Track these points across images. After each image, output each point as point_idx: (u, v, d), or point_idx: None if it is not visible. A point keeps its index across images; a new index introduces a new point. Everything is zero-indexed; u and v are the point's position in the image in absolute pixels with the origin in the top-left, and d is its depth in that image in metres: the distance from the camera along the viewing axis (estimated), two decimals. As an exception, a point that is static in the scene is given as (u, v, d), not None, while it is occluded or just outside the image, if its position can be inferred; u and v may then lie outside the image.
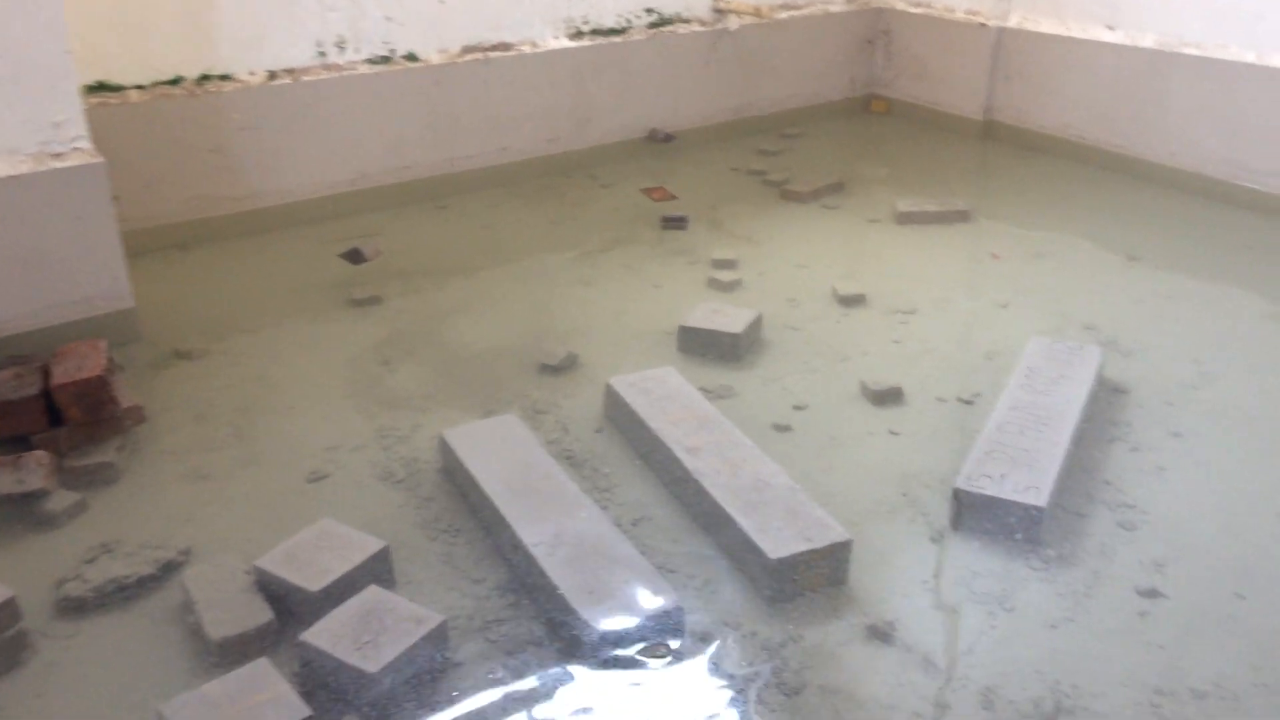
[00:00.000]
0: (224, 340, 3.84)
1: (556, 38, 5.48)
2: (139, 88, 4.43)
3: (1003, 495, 2.82)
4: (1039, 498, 2.81)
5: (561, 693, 2.35)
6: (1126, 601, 2.62)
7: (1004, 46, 6.00)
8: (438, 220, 4.99)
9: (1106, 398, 3.47)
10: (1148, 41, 5.39)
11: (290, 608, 2.52)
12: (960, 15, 6.16)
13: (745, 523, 2.73)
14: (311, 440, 3.28)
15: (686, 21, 5.91)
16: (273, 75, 4.70)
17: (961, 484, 2.88)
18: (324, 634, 2.35)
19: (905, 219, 4.97)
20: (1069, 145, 5.81)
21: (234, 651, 2.40)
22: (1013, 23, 5.96)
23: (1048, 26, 5.82)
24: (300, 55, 4.76)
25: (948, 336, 3.92)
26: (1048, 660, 2.44)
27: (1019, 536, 2.81)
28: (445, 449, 3.12)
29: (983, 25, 6.03)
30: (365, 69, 4.91)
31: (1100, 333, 3.91)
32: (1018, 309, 4.12)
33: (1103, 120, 5.64)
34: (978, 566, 2.74)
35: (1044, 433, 3.08)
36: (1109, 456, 3.18)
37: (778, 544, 2.64)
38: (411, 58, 5.05)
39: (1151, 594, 2.64)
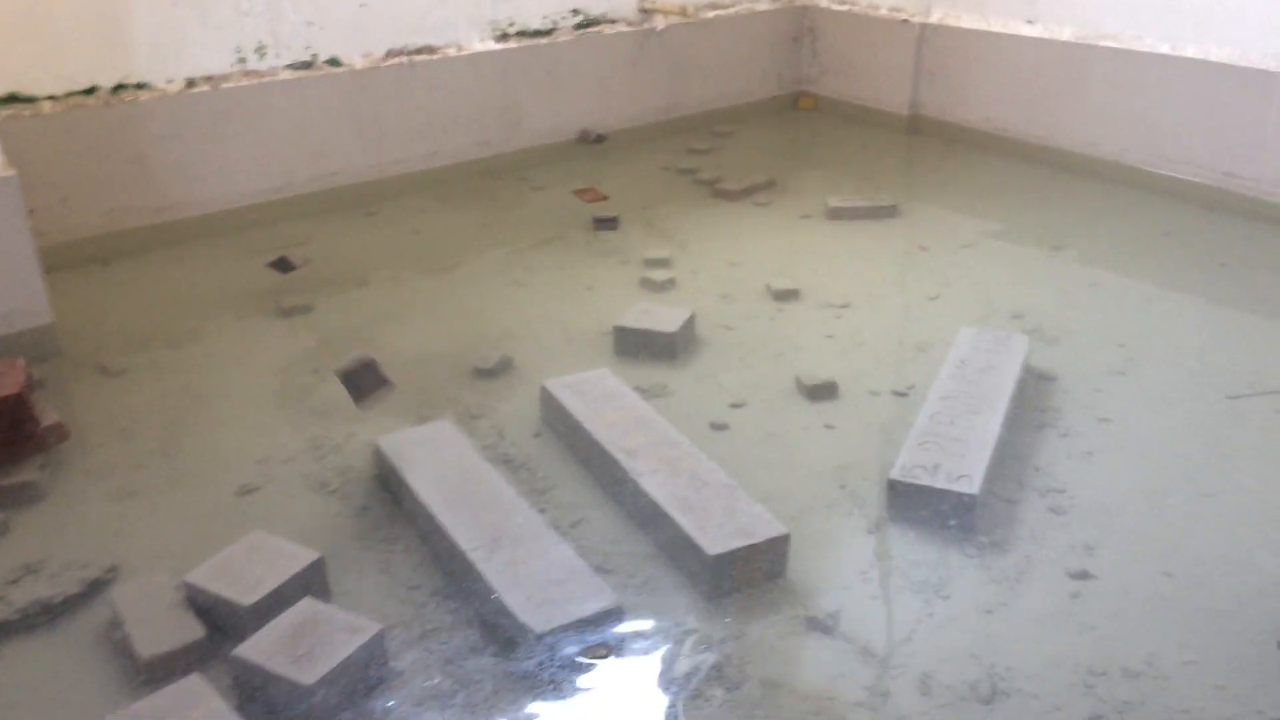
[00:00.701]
0: (148, 354, 3.75)
1: (482, 40, 5.45)
2: (51, 98, 4.31)
3: (936, 485, 2.86)
4: (971, 486, 2.85)
5: (502, 698, 2.33)
6: (1058, 584, 2.67)
7: (927, 42, 6.09)
8: (367, 227, 4.93)
9: (1035, 385, 3.53)
10: (1066, 34, 5.51)
11: (222, 623, 2.47)
12: (884, 12, 6.24)
13: (683, 520, 2.73)
14: (241, 453, 3.22)
15: (613, 22, 5.91)
16: (191, 83, 4.60)
17: (896, 475, 2.91)
18: (257, 648, 2.30)
19: (836, 214, 5.02)
20: (992, 138, 5.91)
21: (164, 669, 2.34)
22: (935, 18, 6.05)
23: (969, 21, 5.91)
24: (219, 62, 4.67)
25: (880, 329, 3.97)
26: (983, 645, 2.48)
27: (953, 525, 2.85)
28: (379, 457, 3.08)
29: (905, 21, 6.12)
30: (287, 75, 4.83)
31: (1027, 321, 3.98)
32: (947, 300, 4.18)
33: (1024, 112, 5.75)
34: (914, 556, 2.77)
35: (974, 421, 3.13)
36: (1039, 443, 3.23)
37: (715, 540, 2.65)
38: (334, 62, 4.99)
39: (1082, 576, 2.69)
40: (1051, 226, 4.88)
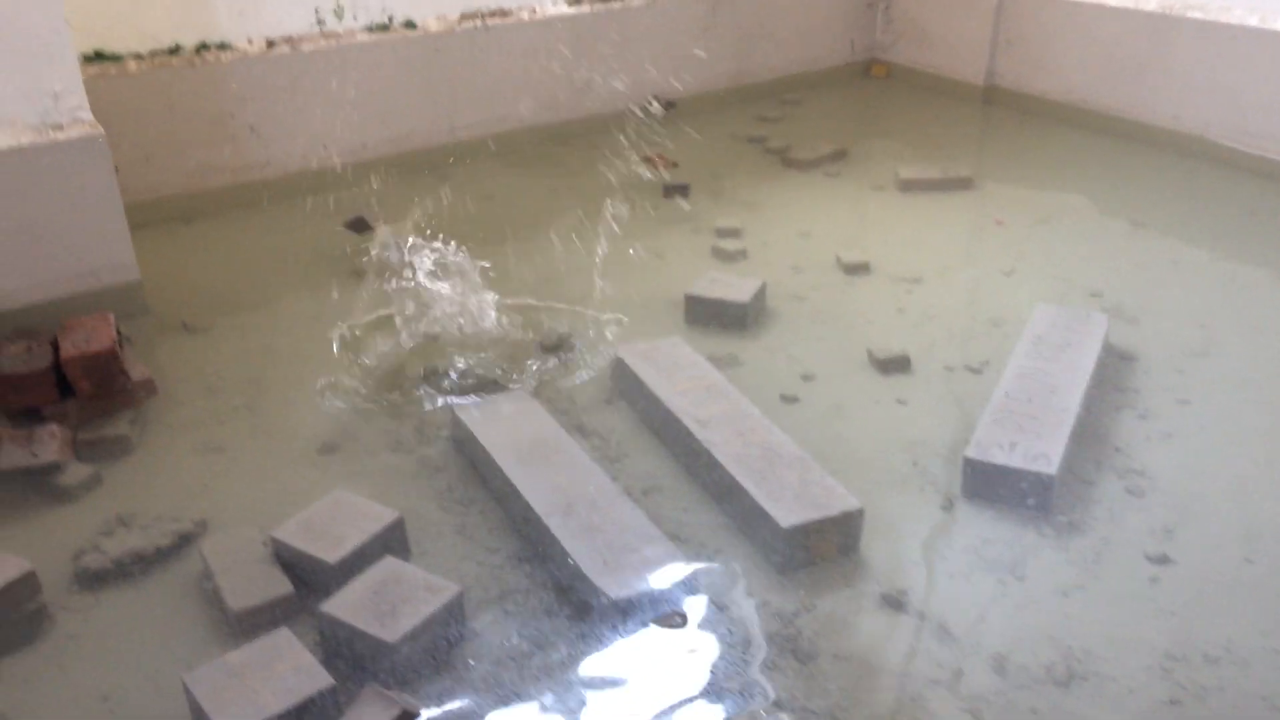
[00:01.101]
0: (229, 312, 3.83)
1: (555, 3, 5.43)
2: (137, 57, 4.39)
3: (1013, 464, 2.84)
4: (1049, 465, 2.82)
5: (576, 661, 2.37)
6: (1137, 568, 2.65)
7: (1005, 10, 5.96)
8: (437, 189, 4.96)
9: (1113, 365, 3.48)
10: (1151, 4, 5.36)
11: (306, 578, 2.54)
12: (962, -21, 6.12)
13: (756, 491, 2.75)
14: (321, 412, 3.28)
15: (686, -13, 5.86)
16: (271, 44, 4.65)
17: (971, 453, 2.89)
18: (343, 604, 2.36)
19: (908, 186, 4.96)
20: (1071, 110, 5.79)
21: (253, 621, 2.42)
22: (1014, -13, 5.92)
23: (1050, -10, 5.78)
24: (298, 23, 4.71)
25: (953, 304, 3.93)
26: (1059, 626, 2.47)
27: (1029, 504, 2.83)
28: (455, 421, 3.13)
29: (984, -11, 5.99)
30: (363, 37, 4.87)
31: (1106, 299, 3.92)
32: (1022, 276, 4.13)
33: (1105, 85, 5.62)
34: (988, 534, 2.76)
35: (1052, 400, 3.10)
36: (1117, 423, 3.19)
37: (789, 512, 2.66)
38: (410, 25, 5.01)
39: (1161, 560, 2.67)
40: (1131, 202, 4.79)
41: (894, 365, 3.51)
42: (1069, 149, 5.48)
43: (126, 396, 3.11)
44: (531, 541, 2.72)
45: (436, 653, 2.37)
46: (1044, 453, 2.87)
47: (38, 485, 2.87)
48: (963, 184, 4.97)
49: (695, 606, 2.51)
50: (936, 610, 2.52)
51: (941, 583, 2.61)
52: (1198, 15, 5.17)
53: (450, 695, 2.28)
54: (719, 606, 2.52)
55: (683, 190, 4.88)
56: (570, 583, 2.55)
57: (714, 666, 2.35)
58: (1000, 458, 2.86)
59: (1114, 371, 3.45)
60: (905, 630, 2.46)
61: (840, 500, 2.71)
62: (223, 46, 4.55)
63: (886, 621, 2.49)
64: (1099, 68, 5.62)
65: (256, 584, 2.48)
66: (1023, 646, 2.41)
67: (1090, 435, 3.12)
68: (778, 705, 2.25)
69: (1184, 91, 5.30)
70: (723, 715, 2.24)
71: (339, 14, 4.80)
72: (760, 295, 3.86)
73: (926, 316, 3.85)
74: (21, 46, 3.39)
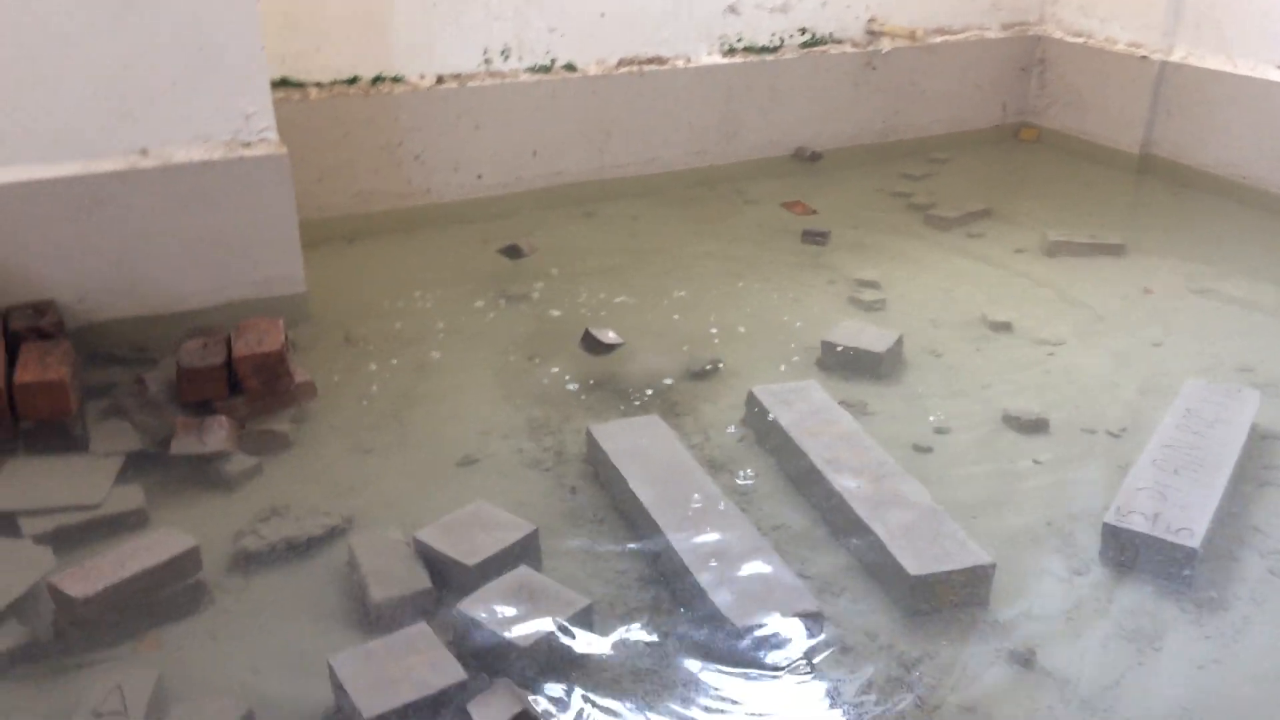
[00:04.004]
0: (386, 327, 4.03)
1: (710, 54, 5.58)
2: (318, 85, 4.69)
3: (1155, 534, 2.78)
4: (1192, 539, 2.75)
5: (696, 689, 2.41)
6: (1277, 648, 2.55)
7: (1166, 80, 5.86)
8: (586, 226, 5.13)
9: (1259, 443, 3.37)
10: (1323, 82, 5.20)
11: (445, 579, 2.65)
12: (1121, 47, 6.04)
13: (886, 537, 2.76)
14: (464, 426, 3.42)
15: (839, 42, 5.94)
16: (440, 79, 4.91)
17: (1111, 519, 2.84)
18: (478, 605, 2.46)
19: (1055, 249, 4.90)
20: (1231, 185, 5.63)
21: (392, 613, 2.54)
22: (1176, 56, 5.82)
23: (1213, 62, 5.66)
24: (467, 62, 4.96)
25: (1096, 371, 3.86)
26: (1194, 700, 2.40)
27: (1169, 576, 2.76)
28: (591, 443, 3.22)
29: (1145, 58, 5.90)
30: (526, 77, 5.09)
31: (1256, 375, 3.79)
32: (1170, 347, 4.03)
33: (1269, 160, 5.45)
34: (1124, 602, 2.71)
35: (1199, 474, 3.02)
36: (1260, 502, 3.09)
37: (920, 561, 2.66)
38: (570, 68, 5.22)
39: (1306, 644, 2.57)
40: (1290, 281, 4.63)
41: (1032, 426, 3.47)
42: (1227, 223, 5.33)
43: (289, 397, 3.31)
44: (661, 567, 2.78)
45: (562, 663, 2.44)
46: (1188, 526, 2.80)
47: (205, 471, 3.08)
48: (1112, 250, 4.88)
49: (819, 646, 2.52)
50: (1067, 672, 2.48)
51: (1073, 645, 2.56)
52: (1374, 93, 5.00)
53: (566, 705, 2.34)
54: (843, 648, 2.53)
55: (822, 237, 4.93)
56: (698, 611, 2.60)
57: (836, 709, 2.36)
58: (1142, 526, 2.81)
59: (1260, 449, 3.34)
60: (1032, 689, 2.43)
61: (971, 554, 2.70)
62: (396, 79, 4.82)
63: (1014, 678, 2.46)
64: (1263, 143, 5.46)
65: (398, 578, 2.60)
66: (1153, 716, 2.35)
67: (1231, 512, 3.03)
68: (897, 748, 2.25)
69: (1355, 171, 5.11)
70: (841, 752, 2.25)
71: (505, 55, 5.04)
72: (897, 346, 3.87)
73: (1068, 380, 3.79)
74: (223, 69, 3.68)
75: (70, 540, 2.77)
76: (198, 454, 3.04)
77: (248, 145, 3.81)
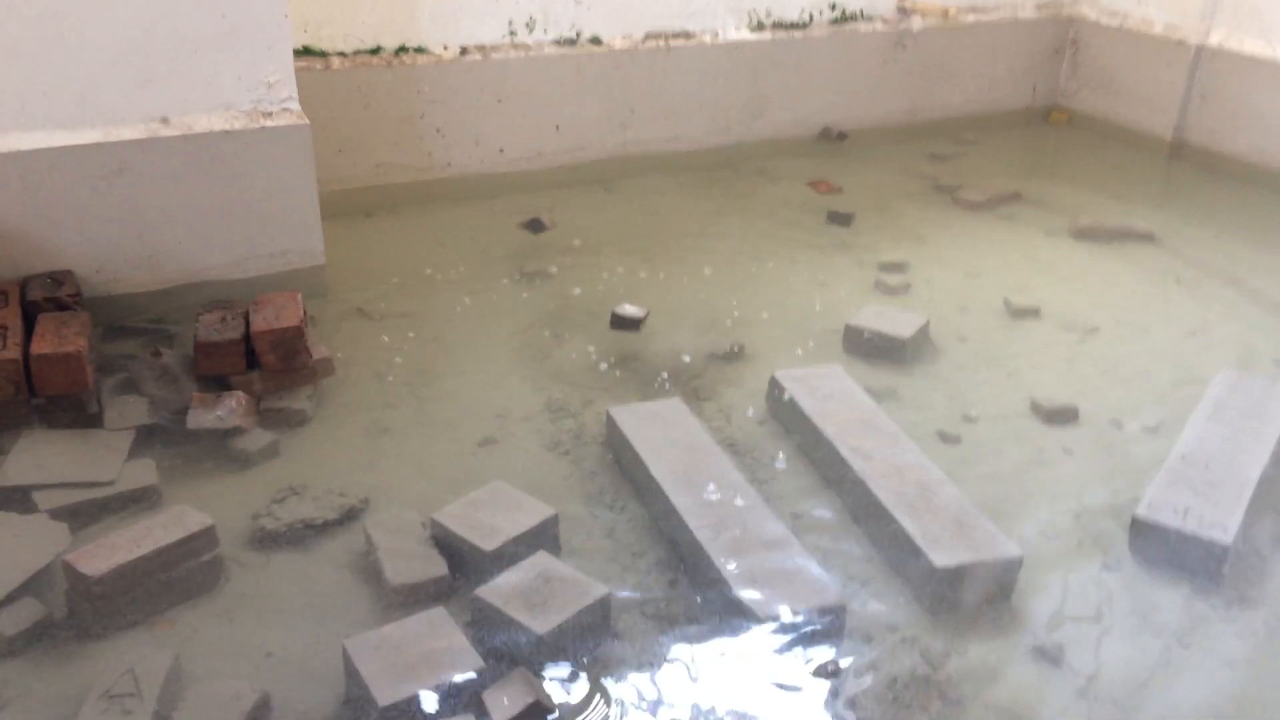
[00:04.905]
0: (403, 303, 3.99)
1: (738, 29, 5.48)
2: (341, 54, 4.62)
3: (1186, 529, 2.71)
4: (1224, 535, 2.69)
5: (715, 677, 2.37)
6: (1313, 651, 2.50)
7: (1202, 65, 5.73)
8: (607, 202, 5.06)
9: (1298, 438, 3.29)
10: (1365, 67, 5.07)
11: (462, 562, 2.61)
12: (1158, 30, 5.91)
13: (911, 527, 2.70)
14: (483, 406, 3.38)
15: (869, 19, 5.83)
16: (464, 51, 4.84)
17: (1142, 513, 2.78)
18: (496, 591, 2.42)
19: (1084, 234, 4.81)
20: (1265, 171, 5.51)
21: (409, 597, 2.50)
22: (1214, 40, 5.69)
23: (1252, 48, 5.53)
24: (492, 33, 4.88)
25: (1128, 359, 3.79)
26: (1226, 699, 2.35)
27: (1199, 572, 2.70)
28: (611, 426, 3.18)
29: (1181, 42, 5.77)
30: (551, 50, 5.01)
31: (1293, 369, 3.72)
32: (1204, 337, 3.94)
33: (1306, 147, 5.34)
34: (1154, 598, 2.65)
35: (1231, 469, 2.95)
36: (1299, 499, 3.02)
37: (945, 552, 2.61)
38: (596, 41, 5.13)
39: (1341, 646, 2.51)
40: (1326, 271, 4.53)
41: (1061, 416, 3.40)
42: (1262, 211, 5.22)
43: (307, 373, 3.27)
44: (681, 551, 2.74)
45: (581, 651, 2.40)
46: (1220, 521, 2.74)
47: (221, 447, 3.04)
48: (1144, 237, 4.79)
49: (842, 640, 2.48)
50: (1094, 669, 2.43)
51: (1101, 641, 2.51)
52: None
53: (584, 694, 2.31)
54: (866, 639, 2.49)
55: (846, 219, 4.85)
56: (718, 598, 2.56)
57: (858, 702, 2.32)
58: (1173, 521, 2.74)
59: (1300, 445, 3.26)
60: (1059, 686, 2.38)
61: (999, 545, 2.64)
62: (419, 50, 4.75)
63: (1040, 675, 2.41)
64: (1301, 128, 5.35)
65: (415, 563, 2.57)
66: (1185, 716, 2.30)
67: (1266, 507, 2.96)
68: (921, 745, 2.21)
69: (1395, 159, 4.99)
70: (863, 748, 2.20)
71: (530, 27, 4.96)
72: (923, 332, 3.80)
73: (1098, 370, 3.72)
74: (246, 36, 3.62)
75: (86, 516, 2.74)
76: (215, 429, 3.00)
77: (269, 115, 3.76)
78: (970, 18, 6.08)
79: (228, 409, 3.05)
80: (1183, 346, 3.90)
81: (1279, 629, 2.56)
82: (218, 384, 3.19)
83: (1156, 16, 5.95)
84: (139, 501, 2.79)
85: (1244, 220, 5.10)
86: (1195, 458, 3.00)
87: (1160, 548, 2.75)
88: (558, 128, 5.13)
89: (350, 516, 2.82)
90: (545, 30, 5.00)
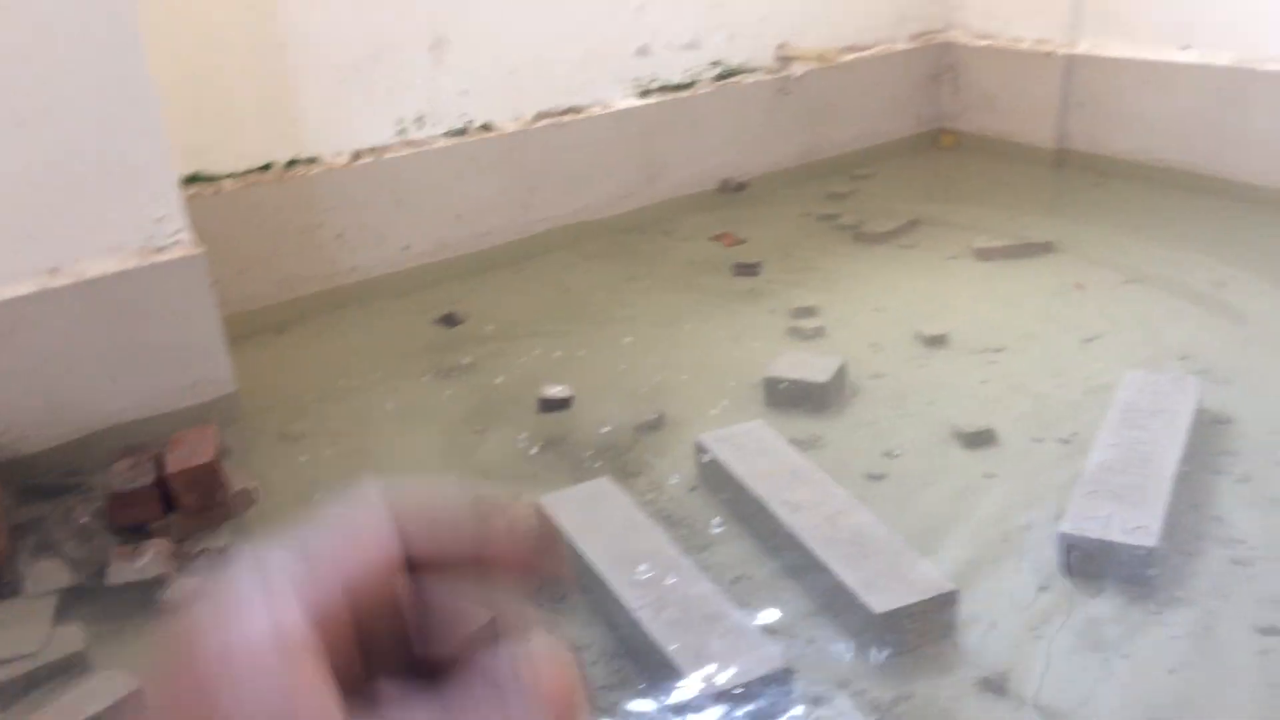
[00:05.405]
0: (322, 418, 3.95)
1: (625, 97, 5.58)
2: (231, 176, 4.62)
3: (1110, 537, 2.77)
4: (1148, 538, 2.75)
5: (675, 759, 2.36)
6: (1247, 641, 2.55)
7: (1074, 73, 5.95)
8: (517, 284, 5.09)
9: (1208, 429, 3.39)
10: (1224, 59, 5.30)
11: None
12: (1027, 45, 6.13)
13: (847, 577, 2.73)
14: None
15: (751, 71, 5.97)
16: (356, 155, 4.86)
17: (1067, 528, 2.84)
18: (440, 708, 2.39)
19: (985, 255, 4.93)
20: (1147, 169, 5.72)
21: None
22: (1081, 49, 5.91)
23: (1118, 50, 5.75)
24: (382, 134, 4.92)
25: (1038, 373, 3.88)
26: (1170, 705, 2.39)
27: (1129, 579, 2.76)
28: (541, 515, 3.17)
29: (1050, 54, 5.99)
30: (443, 142, 5.05)
31: (1196, 362, 3.83)
32: (1108, 341, 4.06)
33: (1182, 142, 5.55)
34: (1089, 611, 2.69)
35: (1147, 469, 3.03)
36: (1215, 490, 3.10)
37: (882, 597, 2.63)
38: (486, 128, 5.19)
39: (1271, 631, 2.57)
40: (1217, 260, 4.68)
41: (980, 439, 3.46)
42: (1147, 208, 5.40)
43: (227, 509, 3.22)
44: (624, 636, 2.73)
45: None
46: (1142, 524, 2.80)
47: (147, 599, 2.97)
48: (1041, 249, 4.92)
49: (792, 704, 2.48)
50: (1040, 693, 2.46)
51: (1043, 664, 2.54)
52: (1275, 67, 5.10)
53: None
54: (813, 699, 2.49)
55: (753, 269, 4.93)
56: (666, 679, 2.55)
57: (812, 761, 2.32)
58: (1096, 531, 2.80)
59: (1209, 436, 3.36)
60: (1007, 715, 2.41)
61: (933, 583, 2.68)
62: (311, 160, 4.77)
63: (988, 708, 2.44)
64: (1174, 125, 5.56)
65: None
66: (1132, 731, 2.33)
67: (1187, 504, 3.03)
68: (879, 800, 2.21)
69: (1266, 146, 5.20)
70: (823, 812, 2.20)
71: (420, 123, 5.00)
72: (840, 374, 3.86)
73: (1010, 387, 3.80)
74: (128, 176, 3.60)
75: (10, 695, 2.66)
76: (136, 582, 2.94)
77: (161, 250, 3.74)
78: (848, 56, 6.26)
79: (147, 559, 2.99)
80: (1091, 351, 4.00)
81: (1213, 625, 2.61)
82: (137, 533, 3.13)
83: (1024, 33, 6.18)
84: (67, 670, 2.72)
85: (1132, 219, 5.27)
86: (1111, 464, 3.07)
87: (1089, 560, 2.81)
88: (459, 216, 5.17)
89: (286, 650, 2.77)
90: (435, 125, 5.04)
